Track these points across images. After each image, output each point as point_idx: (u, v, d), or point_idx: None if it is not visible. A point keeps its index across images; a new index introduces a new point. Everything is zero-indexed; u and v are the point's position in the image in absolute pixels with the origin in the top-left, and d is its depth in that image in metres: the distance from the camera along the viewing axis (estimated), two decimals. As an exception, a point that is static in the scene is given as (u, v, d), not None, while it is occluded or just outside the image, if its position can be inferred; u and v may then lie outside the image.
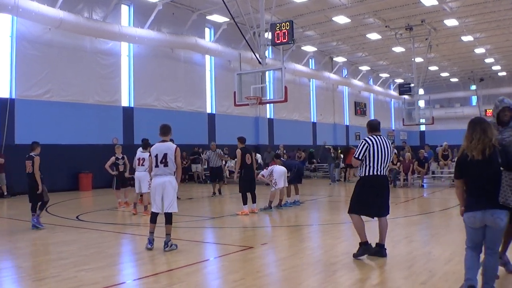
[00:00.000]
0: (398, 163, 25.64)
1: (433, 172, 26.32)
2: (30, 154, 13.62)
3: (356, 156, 9.05)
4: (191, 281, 7.51)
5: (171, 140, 10.64)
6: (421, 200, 20.14)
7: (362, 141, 9.05)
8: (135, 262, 9.37)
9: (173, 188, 10.14)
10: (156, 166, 10.09)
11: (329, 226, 13.05)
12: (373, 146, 8.92)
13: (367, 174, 8.99)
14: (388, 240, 10.62)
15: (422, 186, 25.41)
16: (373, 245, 9.01)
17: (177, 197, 10.67)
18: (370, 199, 9.03)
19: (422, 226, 12.90)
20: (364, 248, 8.81)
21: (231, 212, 15.85)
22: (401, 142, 37.10)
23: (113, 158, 17.83)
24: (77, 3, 26.57)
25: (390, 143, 9.25)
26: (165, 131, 10.40)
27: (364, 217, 9.17)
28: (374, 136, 9.06)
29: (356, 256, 8.73)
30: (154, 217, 10.26)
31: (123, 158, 17.97)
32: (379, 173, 8.95)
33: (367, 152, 8.94)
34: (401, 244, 10.34)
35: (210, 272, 8.24)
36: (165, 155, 10.02)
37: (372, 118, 58.49)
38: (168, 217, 10.11)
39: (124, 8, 29.87)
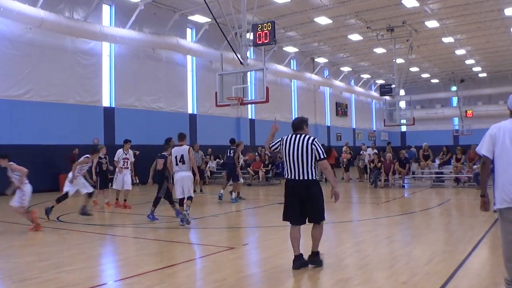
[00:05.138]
0: (379, 164, 25.76)
1: (413, 173, 26.44)
2: (163, 153, 15.11)
3: (269, 143, 8.62)
4: (173, 282, 7.50)
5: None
6: (402, 200, 20.23)
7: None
8: (117, 263, 9.35)
9: (190, 180, 13.44)
10: (176, 164, 13.31)
11: (310, 227, 13.03)
12: (284, 144, 8.22)
13: (285, 176, 8.36)
14: (370, 240, 10.72)
15: (403, 186, 25.51)
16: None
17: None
18: (288, 205, 8.27)
19: (403, 226, 12.96)
20: (294, 260, 8.07)
21: (213, 212, 15.85)
22: (386, 143, 37.26)
23: (97, 158, 17.99)
24: (58, 3, 26.42)
25: (308, 143, 8.01)
26: (181, 138, 13.69)
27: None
28: (291, 135, 8.23)
29: (292, 267, 7.99)
30: (181, 201, 13.48)
31: (105, 157, 18.22)
32: (291, 177, 8.12)
33: (280, 150, 8.34)
34: (383, 244, 10.39)
35: (192, 273, 8.23)
36: (182, 156, 13.24)
37: (353, 119, 58.97)
38: (189, 197, 13.40)
39: (106, 8, 29.74)
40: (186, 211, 13.06)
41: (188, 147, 13.48)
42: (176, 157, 13.33)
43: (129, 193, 17.99)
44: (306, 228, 8.13)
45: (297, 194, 8.08)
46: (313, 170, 8.04)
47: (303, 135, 8.13)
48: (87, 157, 15.75)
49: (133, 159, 18.18)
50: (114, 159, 18.03)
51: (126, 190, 17.69)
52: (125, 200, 17.56)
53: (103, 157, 18.27)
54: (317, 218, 8.21)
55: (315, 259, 8.16)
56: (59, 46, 26.72)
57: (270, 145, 8.55)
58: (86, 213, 15.14)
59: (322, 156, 8.01)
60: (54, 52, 26.47)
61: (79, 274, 7.97)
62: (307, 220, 8.20)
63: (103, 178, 18.28)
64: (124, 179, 17.59)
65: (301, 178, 8.01)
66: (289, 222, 8.23)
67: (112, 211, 16.69)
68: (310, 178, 8.02)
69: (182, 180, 13.32)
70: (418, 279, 7.24)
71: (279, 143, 8.33)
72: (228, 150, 19.77)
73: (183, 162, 13.24)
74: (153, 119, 31.34)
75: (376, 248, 9.84)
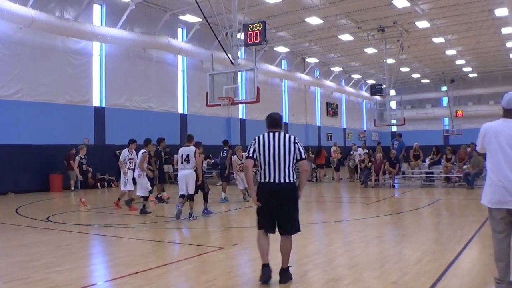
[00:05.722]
0: (370, 164, 25.81)
1: (403, 173, 26.52)
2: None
3: (248, 154, 7.45)
4: (163, 282, 7.49)
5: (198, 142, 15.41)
6: (392, 200, 20.26)
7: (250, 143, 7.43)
8: (107, 263, 9.33)
9: (192, 178, 14.33)
10: (181, 162, 14.39)
11: (300, 226, 13.06)
12: (261, 144, 7.30)
13: (259, 180, 7.37)
14: (360, 240, 10.73)
15: (393, 186, 25.55)
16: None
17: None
18: (264, 211, 7.34)
19: (393, 226, 12.98)
20: (263, 271, 7.26)
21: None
22: (376, 143, 37.36)
23: (78, 158, 18.17)
24: (49, 2, 26.34)
25: (290, 142, 7.30)
26: (189, 139, 14.90)
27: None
28: (266, 133, 7.39)
29: (260, 279, 7.25)
30: (182, 196, 14.34)
31: (85, 157, 18.36)
32: (269, 180, 7.22)
33: (256, 153, 7.32)
34: (373, 243, 10.41)
35: (182, 273, 8.21)
36: (187, 156, 14.34)
37: (344, 119, 58.96)
38: (191, 197, 14.23)
39: (96, 8, 29.66)
40: (190, 214, 14.15)
41: (195, 148, 14.61)
42: (182, 156, 14.46)
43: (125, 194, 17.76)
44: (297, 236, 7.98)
45: (276, 199, 7.23)
46: (293, 171, 7.31)
47: (282, 133, 7.36)
48: (144, 152, 16.33)
49: (137, 159, 18.07)
50: (120, 160, 17.52)
51: (130, 191, 17.12)
52: (118, 199, 17.42)
53: (83, 157, 18.39)
54: (292, 229, 7.40)
55: (286, 275, 7.32)
56: (50, 45, 26.62)
57: (248, 155, 7.40)
58: (145, 212, 15.67)
59: (303, 156, 7.34)
60: (45, 52, 26.37)
61: (70, 274, 7.95)
62: (277, 230, 7.40)
63: (83, 177, 18.57)
64: (128, 180, 17.28)
65: (281, 181, 7.20)
66: (263, 230, 7.39)
67: (96, 211, 16.64)
68: (291, 180, 7.27)
69: (185, 177, 14.32)
70: (408, 279, 7.26)
71: (254, 145, 7.34)
72: (222, 151, 19.83)
73: (188, 161, 14.34)
74: (144, 119, 31.27)
75: (366, 248, 9.85)
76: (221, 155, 20.14)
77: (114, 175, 28.64)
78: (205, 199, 15.45)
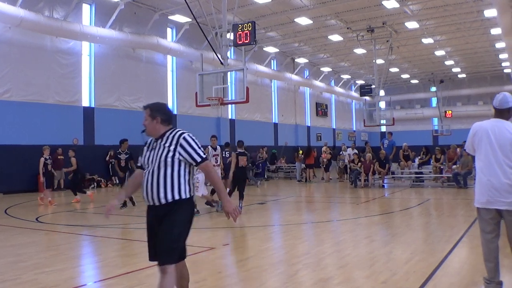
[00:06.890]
0: (359, 164, 25.84)
1: (393, 173, 26.57)
2: (240, 151, 16.62)
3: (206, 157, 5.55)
4: (153, 283, 7.45)
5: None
6: (381, 200, 20.30)
7: (195, 140, 5.57)
8: (96, 264, 9.29)
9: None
10: None
11: (290, 227, 13.08)
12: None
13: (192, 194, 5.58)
14: (349, 240, 10.74)
15: (383, 186, 25.62)
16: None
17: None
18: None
19: (383, 226, 12.98)
20: None
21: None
22: (364, 143, 37.44)
23: (42, 159, 18.62)
24: (38, 2, 26.20)
25: None
26: None
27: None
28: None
29: None
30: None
31: (50, 158, 18.77)
32: None
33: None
34: (362, 243, 10.41)
35: (172, 273, 8.19)
36: None
37: (333, 119, 58.95)
38: None
39: (86, 7, 29.55)
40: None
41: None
42: None
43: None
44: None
45: None
46: None
47: None
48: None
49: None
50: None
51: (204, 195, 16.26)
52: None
53: (47, 158, 18.78)
54: None
55: None
56: (39, 45, 26.51)
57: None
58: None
59: None
60: (34, 52, 26.26)
61: (59, 275, 7.92)
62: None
63: (48, 178, 19.34)
64: (200, 182, 16.69)
65: None
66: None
67: (85, 211, 16.58)
68: None
69: None
70: (398, 279, 7.27)
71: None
72: (224, 152, 19.49)
73: None
74: (133, 119, 31.09)
75: (355, 247, 9.86)
76: (223, 155, 19.73)
77: (103, 176, 28.61)
78: (241, 196, 16.29)
